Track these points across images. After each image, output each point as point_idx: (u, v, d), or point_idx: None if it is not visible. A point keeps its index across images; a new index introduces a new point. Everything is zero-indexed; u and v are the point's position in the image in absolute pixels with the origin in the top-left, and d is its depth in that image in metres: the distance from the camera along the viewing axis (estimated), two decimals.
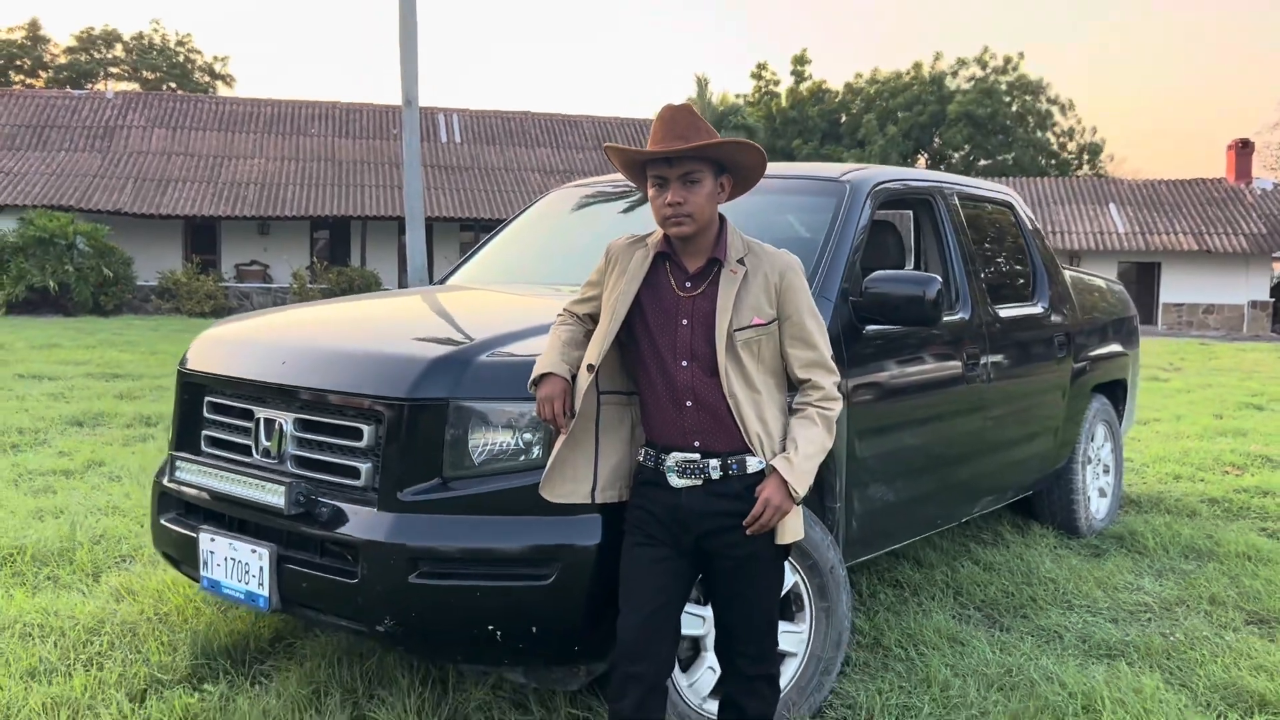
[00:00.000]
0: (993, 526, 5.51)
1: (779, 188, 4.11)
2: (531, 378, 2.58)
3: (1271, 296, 31.89)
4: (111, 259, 23.90)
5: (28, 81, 46.18)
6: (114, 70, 48.93)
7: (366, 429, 2.89)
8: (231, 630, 3.72)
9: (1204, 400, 11.76)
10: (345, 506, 2.87)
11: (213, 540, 3.11)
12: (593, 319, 2.65)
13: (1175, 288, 31.72)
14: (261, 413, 3.14)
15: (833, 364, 2.58)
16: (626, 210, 4.44)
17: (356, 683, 3.35)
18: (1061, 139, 47.78)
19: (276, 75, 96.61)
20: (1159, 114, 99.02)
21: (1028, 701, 3.33)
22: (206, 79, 50.90)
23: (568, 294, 2.85)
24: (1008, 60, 46.43)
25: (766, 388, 2.52)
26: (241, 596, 3.03)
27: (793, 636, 3.18)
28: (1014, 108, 46.20)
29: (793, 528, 2.51)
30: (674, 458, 2.49)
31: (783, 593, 3.05)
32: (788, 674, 3.17)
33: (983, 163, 46.10)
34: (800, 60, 50.50)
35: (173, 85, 47.24)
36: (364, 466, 2.88)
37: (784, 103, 49.91)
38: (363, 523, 2.81)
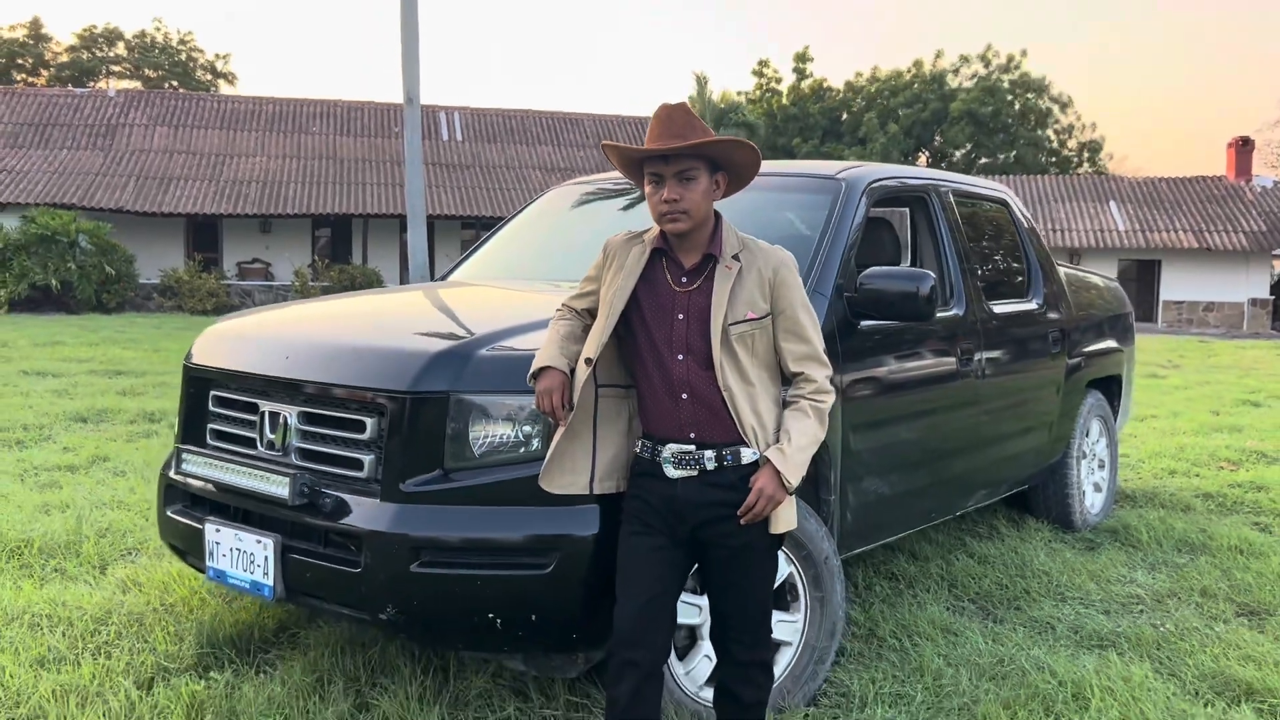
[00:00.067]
0: (988, 520, 5.57)
1: (775, 185, 4.17)
2: (531, 371, 2.63)
3: (1271, 294, 31.93)
4: (114, 257, 23.99)
5: (30, 80, 46.26)
6: (116, 68, 49.02)
7: (369, 421, 2.94)
8: (236, 620, 3.78)
9: (1202, 397, 11.81)
10: (348, 497, 2.93)
11: (218, 531, 3.17)
12: (591, 314, 2.71)
13: (1175, 285, 31.77)
14: (266, 406, 3.20)
15: (825, 357, 2.63)
16: (625, 208, 4.50)
17: (359, 671, 3.41)
18: (1061, 135, 47.80)
19: (278, 74, 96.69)
20: (1159, 112, 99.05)
21: (1019, 690, 3.40)
22: (208, 77, 50.99)
23: (567, 290, 2.91)
24: (1010, 59, 46.47)
25: (760, 381, 2.57)
26: (247, 586, 3.09)
27: (788, 626, 3.24)
28: (1016, 106, 46.21)
29: (786, 517, 2.57)
30: (670, 449, 2.55)
31: (778, 583, 3.12)
32: (783, 662, 3.23)
33: (983, 161, 46.12)
34: (802, 57, 50.54)
35: (174, 83, 47.30)
36: (367, 458, 2.94)
37: (785, 100, 49.93)
38: (366, 513, 2.87)
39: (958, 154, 46.62)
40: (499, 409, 2.87)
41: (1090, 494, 5.68)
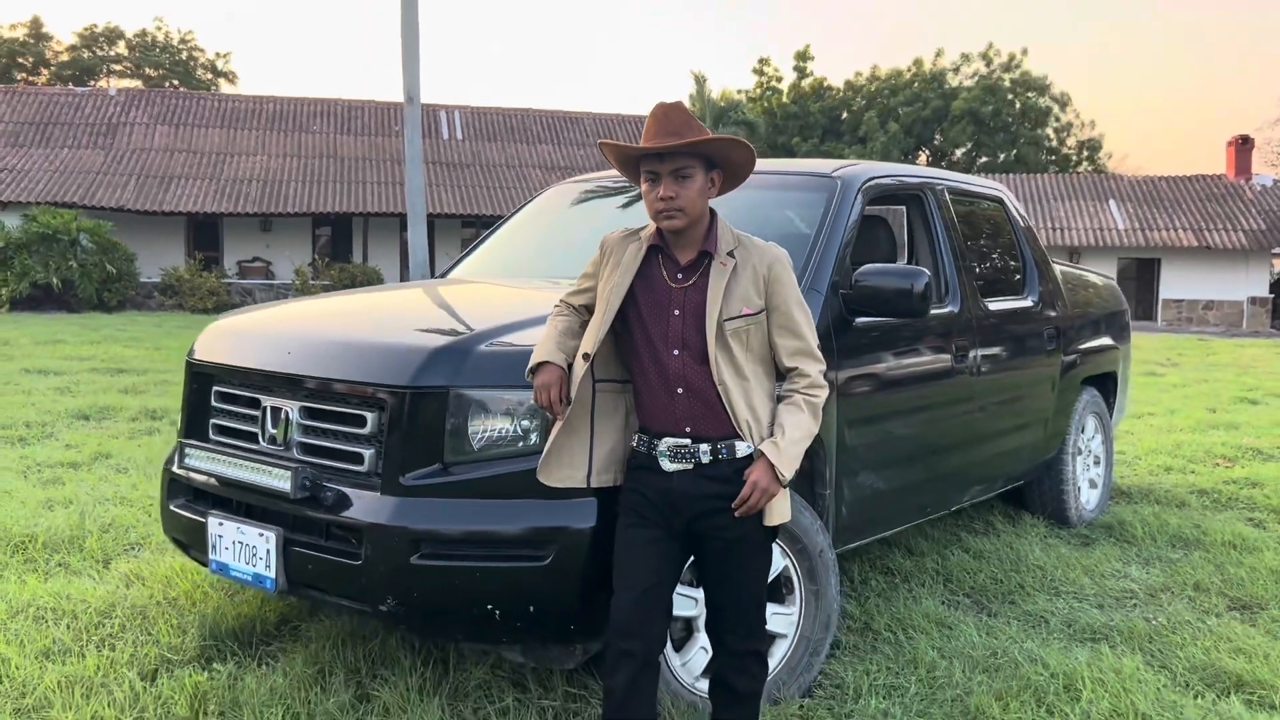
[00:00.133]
0: (984, 516, 5.61)
1: (772, 183, 4.21)
2: (529, 366, 2.68)
3: (1271, 293, 31.96)
4: (114, 255, 24.04)
5: (30, 79, 46.30)
6: (116, 67, 49.09)
7: (370, 416, 2.99)
8: (239, 613, 3.82)
9: (1199, 395, 11.85)
10: (349, 491, 2.97)
11: (221, 524, 3.21)
12: (588, 310, 2.75)
13: (1175, 284, 31.80)
14: (268, 401, 3.25)
15: (819, 353, 2.67)
16: (623, 206, 4.54)
17: (360, 663, 3.45)
18: (1061, 134, 47.82)
19: (279, 73, 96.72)
20: (1159, 111, 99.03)
21: (1011, 681, 3.44)
22: (209, 76, 51.04)
23: (565, 287, 2.95)
24: (1011, 57, 46.49)
25: (755, 375, 2.62)
26: (249, 578, 3.13)
27: (783, 618, 3.28)
28: (1017, 105, 46.23)
29: (780, 510, 2.61)
30: (666, 443, 2.59)
31: (773, 576, 3.15)
32: (778, 655, 3.27)
33: (984, 159, 46.14)
34: (803, 56, 50.57)
35: (175, 82, 47.34)
36: (367, 452, 2.98)
37: (785, 99, 49.96)
38: (366, 506, 2.92)
39: (958, 153, 46.64)
40: (498, 404, 2.91)
41: (1085, 490, 5.72)
